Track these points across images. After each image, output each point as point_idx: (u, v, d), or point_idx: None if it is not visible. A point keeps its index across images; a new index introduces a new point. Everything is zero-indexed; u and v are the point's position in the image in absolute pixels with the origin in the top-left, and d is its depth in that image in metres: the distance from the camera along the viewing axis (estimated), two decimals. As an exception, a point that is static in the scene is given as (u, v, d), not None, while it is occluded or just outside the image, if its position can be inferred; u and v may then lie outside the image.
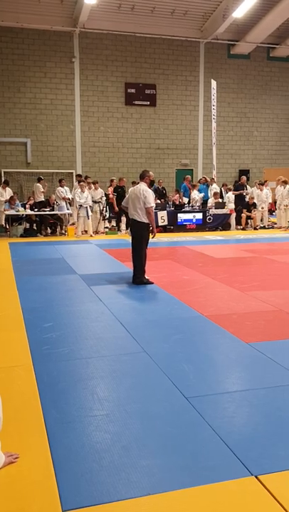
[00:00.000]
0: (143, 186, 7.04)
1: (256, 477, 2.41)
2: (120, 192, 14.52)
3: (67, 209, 14.19)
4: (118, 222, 15.11)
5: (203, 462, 2.55)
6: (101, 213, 14.52)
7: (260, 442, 2.75)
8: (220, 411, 3.13)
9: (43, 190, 14.80)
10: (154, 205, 7.30)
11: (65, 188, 14.92)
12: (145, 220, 6.96)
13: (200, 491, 2.32)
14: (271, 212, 16.66)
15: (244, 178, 16.97)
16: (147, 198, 6.89)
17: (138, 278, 7.05)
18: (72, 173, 19.06)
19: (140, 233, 7.02)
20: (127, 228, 13.98)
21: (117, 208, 14.39)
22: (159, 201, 15.28)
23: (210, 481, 2.38)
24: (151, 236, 7.15)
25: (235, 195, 15.78)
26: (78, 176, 17.50)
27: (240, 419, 3.04)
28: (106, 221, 15.29)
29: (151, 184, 7.44)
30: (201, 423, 2.96)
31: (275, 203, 15.88)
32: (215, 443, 2.74)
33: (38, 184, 15.19)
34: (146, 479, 2.41)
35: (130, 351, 4.25)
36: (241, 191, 15.89)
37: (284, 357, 4.06)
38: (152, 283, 7.01)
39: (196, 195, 15.88)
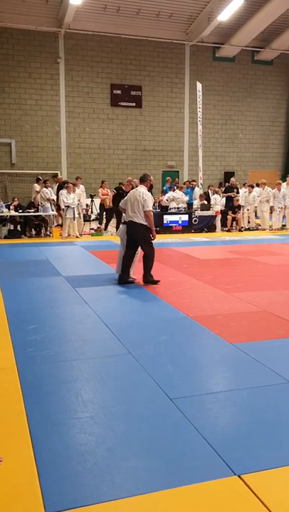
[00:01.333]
0: (143, 189, 7.09)
1: (239, 476, 2.44)
2: (120, 193, 14.48)
3: (52, 210, 14.13)
4: (107, 222, 15.09)
5: (186, 463, 2.57)
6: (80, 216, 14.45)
7: (244, 442, 2.77)
8: (204, 412, 3.14)
9: (37, 190, 14.97)
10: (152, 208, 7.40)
11: (49, 189, 14.86)
12: (144, 222, 7.01)
13: (184, 491, 2.33)
14: (256, 214, 16.81)
15: (233, 179, 17.08)
16: (146, 201, 6.93)
17: (147, 278, 7.14)
18: (57, 174, 18.99)
19: (140, 235, 7.06)
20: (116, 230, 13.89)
21: (111, 205, 14.38)
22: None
23: (194, 481, 2.40)
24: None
25: (226, 197, 15.89)
26: (54, 176, 17.43)
27: (224, 419, 3.06)
28: (91, 222, 15.27)
29: (150, 188, 7.52)
30: (185, 424, 2.97)
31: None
32: (199, 443, 2.75)
33: (36, 184, 15.27)
34: (130, 480, 2.42)
35: (115, 353, 4.25)
36: (230, 193, 15.99)
37: (267, 357, 4.10)
38: (134, 282, 7.18)
39: (167, 196, 15.87)
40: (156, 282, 7.14)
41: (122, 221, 7.49)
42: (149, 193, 7.17)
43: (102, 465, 2.55)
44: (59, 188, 14.26)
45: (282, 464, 2.54)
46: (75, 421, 3.04)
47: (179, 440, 2.80)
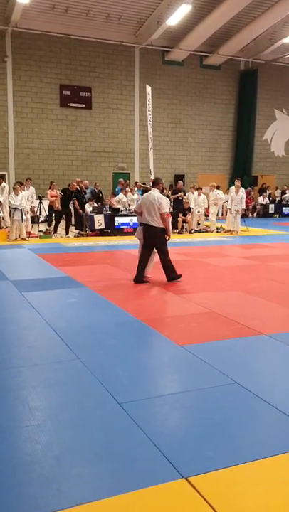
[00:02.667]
0: (157, 193, 7.39)
1: (186, 479, 2.45)
2: (68, 194, 14.27)
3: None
4: (56, 224, 14.84)
5: (134, 468, 2.56)
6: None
7: (192, 444, 2.79)
8: (152, 415, 3.15)
9: None
10: (168, 210, 7.70)
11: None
12: (160, 225, 7.27)
13: (130, 497, 2.32)
14: (206, 216, 17.12)
15: (181, 183, 17.37)
16: (162, 205, 7.25)
17: (170, 276, 7.43)
18: (4, 175, 18.51)
19: (157, 238, 7.34)
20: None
21: (60, 207, 14.19)
22: (95, 204, 15.21)
23: (141, 486, 2.39)
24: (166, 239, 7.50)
25: (174, 199, 16.08)
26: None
27: (172, 422, 3.08)
28: (39, 224, 15.00)
29: (162, 191, 7.77)
30: (134, 428, 2.97)
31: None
32: (147, 447, 2.75)
33: None
34: (78, 489, 2.38)
35: (63, 359, 4.19)
36: (177, 195, 16.22)
37: (215, 358, 4.16)
38: (148, 281, 7.41)
39: (117, 198, 15.93)
40: (178, 277, 7.49)
41: (139, 223, 7.73)
42: (164, 196, 7.48)
43: (49, 474, 2.50)
44: None
45: (228, 465, 2.58)
46: (22, 429, 2.97)
47: (127, 445, 2.78)
